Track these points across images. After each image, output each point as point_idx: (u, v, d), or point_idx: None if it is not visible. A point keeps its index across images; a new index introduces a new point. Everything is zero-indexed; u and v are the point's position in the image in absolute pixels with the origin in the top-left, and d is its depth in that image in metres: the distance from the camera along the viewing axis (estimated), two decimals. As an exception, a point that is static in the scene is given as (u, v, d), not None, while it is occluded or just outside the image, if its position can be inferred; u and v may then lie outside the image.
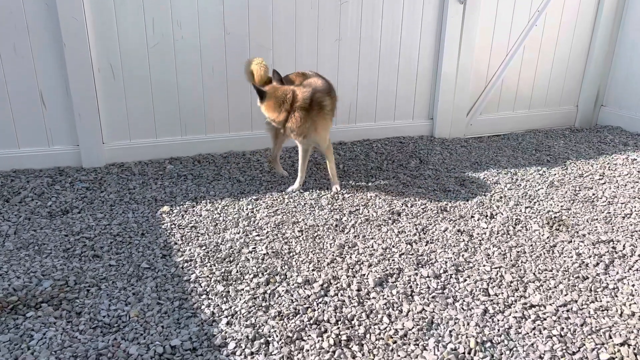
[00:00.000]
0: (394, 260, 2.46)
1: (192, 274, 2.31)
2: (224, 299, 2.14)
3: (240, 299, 2.14)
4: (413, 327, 2.00)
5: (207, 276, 2.29)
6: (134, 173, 3.43)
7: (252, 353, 1.85)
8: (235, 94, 3.70)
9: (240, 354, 1.84)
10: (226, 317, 2.03)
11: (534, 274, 2.37)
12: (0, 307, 2.03)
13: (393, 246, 2.59)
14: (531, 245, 2.62)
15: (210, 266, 2.38)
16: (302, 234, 2.69)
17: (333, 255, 2.49)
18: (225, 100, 3.71)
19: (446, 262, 2.44)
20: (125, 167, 3.52)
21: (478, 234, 2.72)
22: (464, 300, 2.17)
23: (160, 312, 2.05)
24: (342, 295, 2.19)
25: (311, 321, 2.01)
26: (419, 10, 3.93)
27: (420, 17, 3.95)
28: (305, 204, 3.03)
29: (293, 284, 2.25)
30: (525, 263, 2.46)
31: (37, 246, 2.51)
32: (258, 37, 3.62)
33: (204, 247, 2.54)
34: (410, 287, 2.26)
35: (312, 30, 3.73)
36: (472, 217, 2.91)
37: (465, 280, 2.31)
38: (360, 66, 3.95)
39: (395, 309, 2.11)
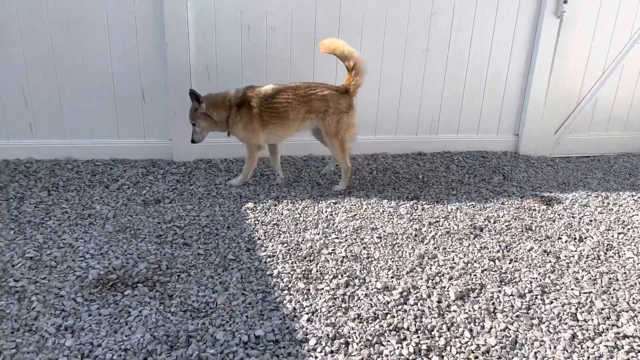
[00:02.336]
0: (475, 275, 2.41)
1: (274, 269, 2.39)
2: (305, 296, 2.19)
3: (320, 298, 2.18)
4: (496, 345, 1.95)
5: (289, 273, 2.36)
6: (220, 169, 3.59)
7: (332, 352, 1.88)
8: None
9: (321, 351, 1.88)
10: (307, 314, 2.07)
11: (627, 303, 2.23)
12: (102, 284, 2.19)
13: (475, 261, 2.53)
14: (624, 273, 2.48)
15: (292, 263, 2.44)
16: (381, 241, 2.70)
17: (412, 264, 2.48)
18: (309, 105, 3.80)
19: (531, 282, 2.36)
20: (212, 163, 3.69)
21: (566, 256, 2.61)
22: (550, 323, 2.08)
23: (244, 302, 2.13)
24: (421, 305, 2.17)
25: (390, 327, 2.02)
26: (511, 22, 3.84)
27: (512, 29, 3.85)
28: (383, 211, 3.04)
29: (372, 289, 2.26)
30: (617, 291, 2.32)
31: (133, 230, 2.69)
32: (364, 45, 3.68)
33: (286, 245, 2.61)
34: (493, 303, 2.20)
35: (400, 39, 3.74)
36: (560, 238, 2.79)
37: (551, 302, 2.22)
38: (447, 78, 3.91)
39: (477, 324, 2.06)
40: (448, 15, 3.74)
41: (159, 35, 3.41)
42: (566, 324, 2.09)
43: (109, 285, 2.19)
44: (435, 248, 2.65)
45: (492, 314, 2.14)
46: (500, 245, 2.69)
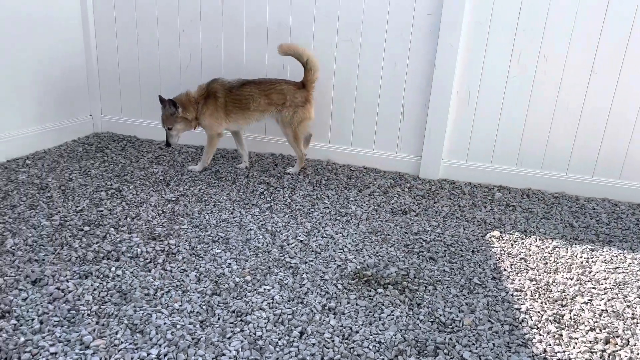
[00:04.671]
0: None
1: (522, 304, 2.31)
2: (557, 340, 2.07)
3: (574, 347, 2.03)
4: None
5: (539, 312, 2.25)
6: (463, 192, 3.61)
7: (588, 408, 1.74)
8: (586, 134, 3.51)
9: (576, 404, 1.75)
10: (559, 360, 1.96)
11: None
12: (358, 278, 2.42)
13: None
14: None
15: (542, 303, 2.32)
16: (650, 303, 2.37)
17: (693, 339, 2.12)
18: (570, 140, 3.55)
19: None
20: (456, 185, 3.74)
21: None
22: None
23: (491, 330, 2.11)
24: None
25: (662, 403, 1.77)
26: None
27: None
28: (654, 270, 2.66)
29: (638, 354, 2.01)
30: None
31: (383, 235, 2.90)
32: (628, 80, 3.34)
33: (534, 282, 2.50)
34: None
35: (702, 78, 3.23)
36: None
37: None
38: None
39: None
40: None
41: (430, 58, 3.60)
42: None
43: (364, 280, 2.41)
44: None
45: None
46: None
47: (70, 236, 2.62)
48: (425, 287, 2.39)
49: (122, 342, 1.87)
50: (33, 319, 1.96)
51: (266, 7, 3.86)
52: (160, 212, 2.99)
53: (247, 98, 3.59)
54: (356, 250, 2.69)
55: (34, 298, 2.08)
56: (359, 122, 3.93)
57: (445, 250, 2.76)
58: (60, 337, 1.87)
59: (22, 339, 1.83)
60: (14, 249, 2.46)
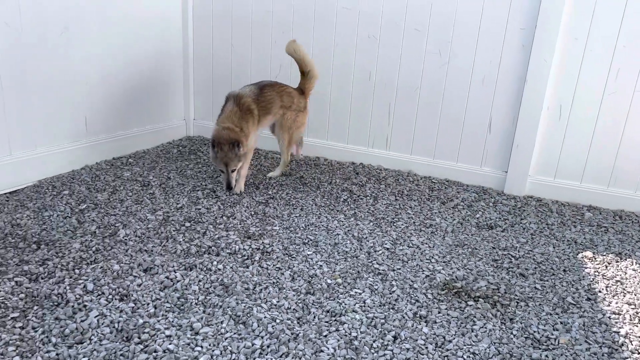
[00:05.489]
0: None
1: (620, 328, 2.23)
2: (661, 368, 1.99)
3: (681, 377, 1.95)
4: None
5: (639, 337, 2.17)
6: (551, 210, 3.52)
7: None
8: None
9: None
10: (665, 388, 1.88)
11: None
12: (448, 289, 2.44)
13: None
14: None
15: (642, 328, 2.24)
16: None
17: None
18: (672, 161, 3.39)
19: None
20: (542, 202, 3.65)
21: None
22: None
23: (589, 350, 2.06)
24: None
25: None
26: None
27: None
28: None
29: None
30: None
31: (470, 249, 2.89)
32: None
33: (633, 307, 2.40)
34: None
35: None
36: None
37: None
38: None
39: None
40: None
41: (521, 72, 3.56)
42: None
43: (453, 291, 2.42)
44: None
45: None
46: None
47: (174, 230, 2.82)
48: (517, 302, 2.37)
49: (227, 332, 2.00)
50: (148, 304, 2.14)
51: (356, 20, 3.96)
52: (252, 212, 3.15)
53: (270, 102, 3.50)
54: (444, 262, 2.71)
55: (147, 284, 2.27)
56: (443, 134, 3.94)
57: (535, 268, 2.72)
58: (172, 322, 2.03)
59: (141, 321, 2.00)
60: (125, 239, 2.69)
